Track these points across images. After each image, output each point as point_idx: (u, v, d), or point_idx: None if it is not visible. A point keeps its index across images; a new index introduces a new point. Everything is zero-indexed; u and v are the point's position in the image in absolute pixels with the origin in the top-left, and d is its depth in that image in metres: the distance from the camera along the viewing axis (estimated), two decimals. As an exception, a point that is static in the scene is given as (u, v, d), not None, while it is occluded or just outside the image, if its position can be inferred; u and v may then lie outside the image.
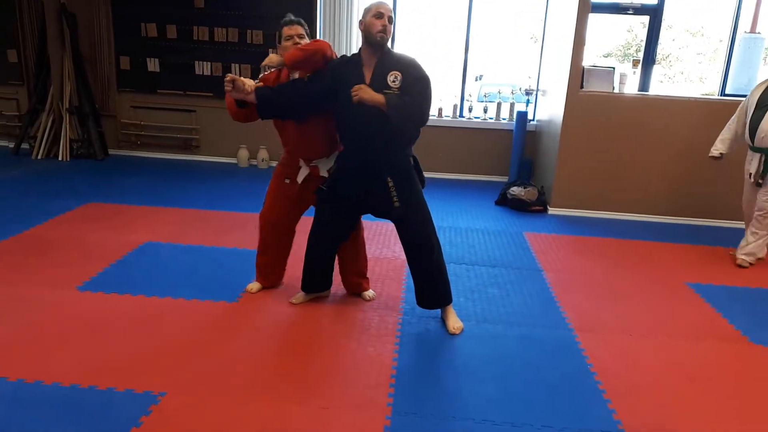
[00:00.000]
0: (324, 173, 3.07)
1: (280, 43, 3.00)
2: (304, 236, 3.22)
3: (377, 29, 2.73)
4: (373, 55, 2.81)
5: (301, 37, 2.94)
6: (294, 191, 3.15)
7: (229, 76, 2.75)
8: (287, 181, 3.13)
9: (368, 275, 3.44)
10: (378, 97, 2.66)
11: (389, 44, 2.89)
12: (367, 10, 2.79)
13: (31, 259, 3.69)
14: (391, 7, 2.83)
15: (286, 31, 2.95)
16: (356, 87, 2.66)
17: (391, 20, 2.76)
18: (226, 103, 2.95)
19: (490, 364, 2.76)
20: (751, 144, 4.17)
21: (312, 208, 3.21)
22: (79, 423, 2.19)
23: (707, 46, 14.51)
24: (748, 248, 4.25)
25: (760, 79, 4.29)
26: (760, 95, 4.13)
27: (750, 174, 4.21)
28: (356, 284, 3.36)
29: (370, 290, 3.39)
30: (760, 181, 4.13)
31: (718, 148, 4.37)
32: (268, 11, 6.21)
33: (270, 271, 3.40)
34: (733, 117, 4.36)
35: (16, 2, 6.72)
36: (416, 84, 2.75)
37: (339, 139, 3.04)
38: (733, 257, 4.32)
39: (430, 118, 3.35)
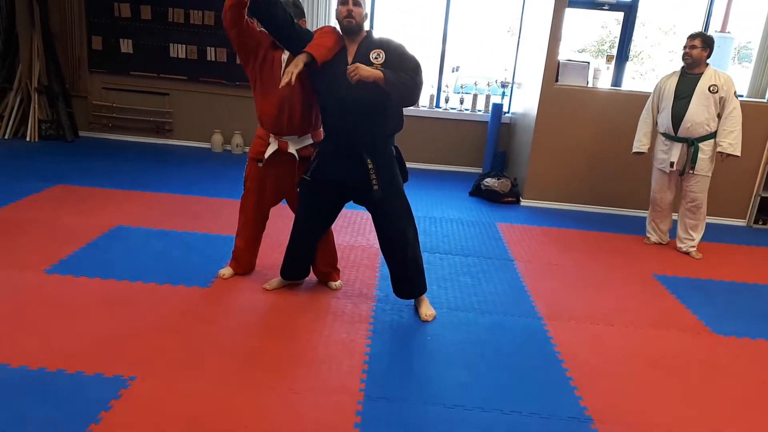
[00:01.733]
0: (293, 151, 3.04)
1: None
2: (279, 223, 3.22)
3: (343, 15, 2.77)
4: (352, 41, 2.82)
5: None
6: (268, 176, 3.13)
7: None
8: (260, 164, 3.10)
9: (343, 262, 3.44)
10: (376, 73, 2.64)
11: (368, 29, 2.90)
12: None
13: (-3, 241, 3.61)
14: None
15: None
16: (351, 67, 2.63)
17: (357, 3, 2.75)
18: None
19: (462, 351, 2.81)
20: (672, 134, 4.26)
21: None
22: (47, 406, 2.17)
23: (679, 44, 14.79)
24: (697, 241, 4.43)
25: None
26: (676, 86, 4.23)
27: (671, 163, 4.29)
28: (326, 274, 3.37)
29: (339, 281, 3.40)
30: (691, 171, 4.25)
31: (644, 143, 4.43)
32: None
33: (242, 256, 3.38)
34: (646, 111, 4.45)
35: (-18, -23, 6.51)
36: (404, 61, 2.76)
37: (322, 124, 3.01)
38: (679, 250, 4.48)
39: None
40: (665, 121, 4.28)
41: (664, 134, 4.33)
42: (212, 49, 6.48)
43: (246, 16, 2.87)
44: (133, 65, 6.63)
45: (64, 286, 3.11)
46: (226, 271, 3.39)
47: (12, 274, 3.19)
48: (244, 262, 3.39)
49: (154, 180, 5.26)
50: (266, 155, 3.05)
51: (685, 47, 4.22)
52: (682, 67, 4.28)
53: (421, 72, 2.78)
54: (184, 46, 6.52)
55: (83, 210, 4.28)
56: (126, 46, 6.57)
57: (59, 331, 2.68)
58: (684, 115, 4.16)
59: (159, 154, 6.38)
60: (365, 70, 2.63)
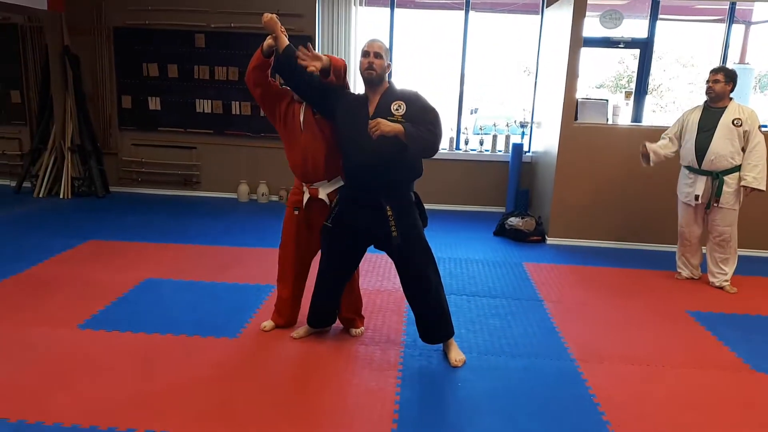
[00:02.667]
0: (323, 196, 3.09)
1: None
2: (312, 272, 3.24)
3: (364, 67, 2.85)
4: (374, 92, 2.90)
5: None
6: (304, 223, 3.17)
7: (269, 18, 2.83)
8: (296, 211, 3.16)
9: (369, 307, 3.43)
10: (397, 128, 2.68)
11: (389, 80, 2.98)
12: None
13: (32, 298, 3.69)
14: (382, 44, 2.89)
15: None
16: (373, 122, 2.68)
17: (378, 56, 2.83)
18: (254, 59, 2.98)
19: (494, 397, 2.76)
20: (696, 167, 4.22)
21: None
22: (81, 463, 2.18)
23: (698, 76, 14.75)
24: (729, 275, 4.33)
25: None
26: (699, 119, 4.21)
27: (696, 196, 4.24)
28: (350, 320, 3.36)
29: (361, 328, 3.38)
30: (716, 204, 4.18)
31: (652, 149, 4.33)
32: (267, 50, 6.34)
33: (283, 308, 3.36)
34: (664, 134, 4.42)
35: (19, 43, 6.86)
36: (424, 113, 2.81)
37: (342, 170, 3.07)
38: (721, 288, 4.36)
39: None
40: (689, 154, 4.25)
41: (688, 167, 4.30)
42: (237, 103, 6.68)
43: (269, 76, 3.00)
44: (161, 121, 6.86)
45: (96, 342, 3.15)
46: (268, 323, 3.38)
47: (46, 331, 3.25)
48: (285, 314, 3.37)
49: (183, 232, 5.36)
50: (304, 203, 3.12)
51: (708, 81, 4.21)
52: (705, 101, 4.27)
53: (440, 123, 2.83)
54: (209, 101, 6.74)
55: (114, 265, 4.38)
56: (154, 103, 6.82)
57: (92, 387, 2.71)
58: (707, 148, 4.13)
59: (187, 206, 6.52)
60: (387, 126, 2.67)
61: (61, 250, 4.65)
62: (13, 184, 6.91)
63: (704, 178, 4.20)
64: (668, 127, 4.53)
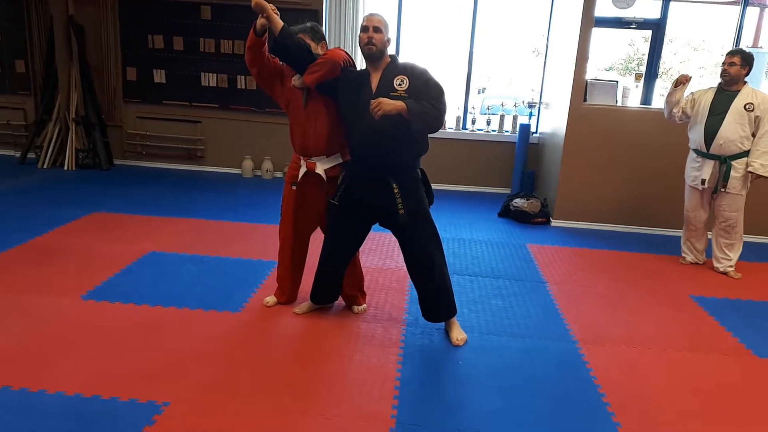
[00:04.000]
0: (320, 171, 3.06)
1: None
2: (314, 249, 3.23)
3: (364, 42, 2.81)
4: (375, 67, 2.86)
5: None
6: (301, 198, 3.15)
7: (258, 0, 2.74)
8: (294, 187, 3.14)
9: (372, 286, 3.42)
10: (399, 106, 2.66)
11: (392, 54, 2.93)
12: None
13: (36, 268, 3.70)
14: (382, 18, 2.83)
15: None
16: (374, 102, 2.65)
17: (377, 30, 2.79)
18: (249, 39, 2.91)
19: (494, 376, 2.76)
20: (704, 151, 4.17)
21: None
22: (83, 432, 2.20)
23: (709, 60, 14.57)
24: (734, 261, 4.31)
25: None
26: (712, 101, 4.14)
27: (703, 180, 4.20)
28: (352, 297, 3.36)
29: (363, 305, 3.38)
30: (723, 189, 4.14)
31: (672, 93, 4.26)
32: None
33: (283, 284, 3.37)
34: (682, 101, 4.30)
35: (24, 13, 6.80)
36: (428, 88, 2.77)
37: (348, 147, 3.05)
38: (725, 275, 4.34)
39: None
40: (697, 136, 4.20)
41: (696, 150, 4.25)
42: (242, 77, 6.63)
43: (266, 53, 2.95)
44: (165, 94, 6.82)
45: (99, 313, 3.17)
46: (270, 299, 3.38)
47: (50, 300, 3.26)
48: (286, 290, 3.37)
49: (186, 206, 5.36)
50: (299, 177, 3.09)
51: (723, 63, 4.12)
52: (719, 83, 4.20)
53: (444, 98, 2.79)
54: (215, 75, 6.69)
55: (118, 236, 4.38)
56: (159, 76, 6.77)
57: (95, 356, 2.72)
58: (717, 132, 4.07)
59: (191, 180, 6.51)
60: (388, 105, 2.65)
61: (65, 221, 4.65)
62: (18, 154, 6.91)
63: (712, 162, 4.15)
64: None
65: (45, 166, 6.59)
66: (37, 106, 6.95)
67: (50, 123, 6.69)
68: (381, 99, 2.67)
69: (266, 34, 2.89)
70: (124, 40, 6.72)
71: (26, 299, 3.26)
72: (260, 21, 2.82)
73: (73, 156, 6.61)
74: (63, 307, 3.20)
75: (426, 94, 2.75)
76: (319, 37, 3.05)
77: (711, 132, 4.11)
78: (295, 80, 2.93)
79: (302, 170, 3.09)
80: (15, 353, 2.71)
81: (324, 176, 3.06)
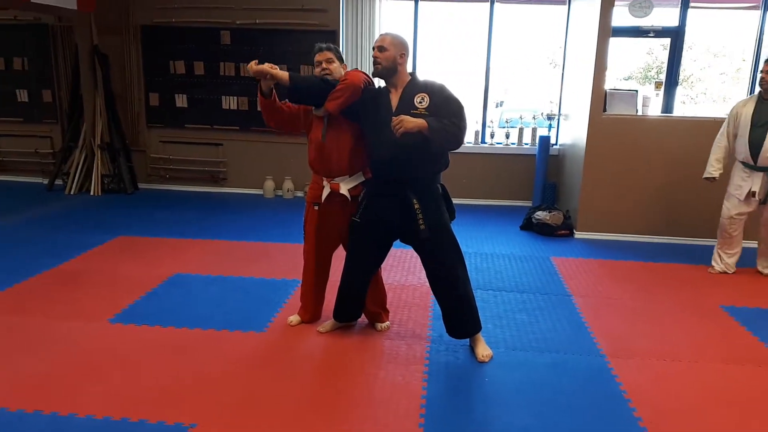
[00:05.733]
0: (344, 191, 3.07)
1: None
2: (338, 266, 3.23)
3: (373, 61, 2.86)
4: (394, 85, 2.88)
5: (329, 61, 3.01)
6: (324, 217, 3.17)
7: (255, 67, 2.83)
8: (316, 207, 3.16)
9: (395, 302, 3.41)
10: (420, 124, 2.68)
11: (413, 72, 2.95)
12: None
13: (64, 293, 3.77)
14: (389, 36, 2.87)
15: (317, 57, 3.04)
16: (396, 120, 2.68)
17: (382, 49, 2.81)
18: (259, 103, 3.01)
19: (522, 392, 2.72)
20: (752, 163, 4.10)
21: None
22: (112, 455, 2.22)
23: (729, 66, 14.38)
24: None
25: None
26: (753, 114, 4.07)
27: (753, 193, 4.14)
28: (375, 314, 3.35)
29: (387, 322, 3.37)
30: None
31: (717, 168, 4.28)
32: (291, 47, 6.34)
33: (306, 303, 3.38)
34: (720, 135, 4.29)
35: (50, 44, 7.01)
36: (448, 105, 2.78)
37: (368, 164, 3.06)
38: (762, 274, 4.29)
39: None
40: (743, 149, 4.13)
41: (743, 163, 4.18)
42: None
43: (279, 103, 3.05)
44: (187, 119, 6.94)
45: (126, 336, 3.20)
46: (294, 318, 3.39)
47: (78, 325, 3.31)
48: (309, 308, 3.38)
49: (210, 228, 5.42)
50: (323, 198, 3.11)
51: (761, 71, 4.04)
52: (759, 93, 4.12)
53: (464, 114, 2.80)
54: (235, 98, 6.79)
55: (143, 260, 4.44)
56: (181, 100, 6.90)
57: (123, 379, 2.75)
58: (762, 144, 4.00)
59: (214, 202, 6.59)
60: (410, 123, 2.67)
61: (92, 245, 4.74)
62: (46, 181, 7.07)
63: (761, 174, 4.08)
64: (703, 118, 4.40)
65: (72, 192, 6.73)
66: (63, 134, 7.14)
67: (76, 150, 6.84)
68: (403, 116, 2.68)
69: (273, 90, 2.98)
70: (146, 67, 6.88)
71: (55, 324, 3.31)
72: (264, 84, 2.92)
73: (98, 181, 6.74)
74: (91, 331, 3.24)
75: (446, 110, 2.76)
76: (338, 58, 3.10)
77: (756, 145, 4.04)
78: (317, 110, 2.98)
79: (326, 191, 3.11)
80: (45, 378, 2.75)
81: (348, 196, 3.08)
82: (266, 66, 2.84)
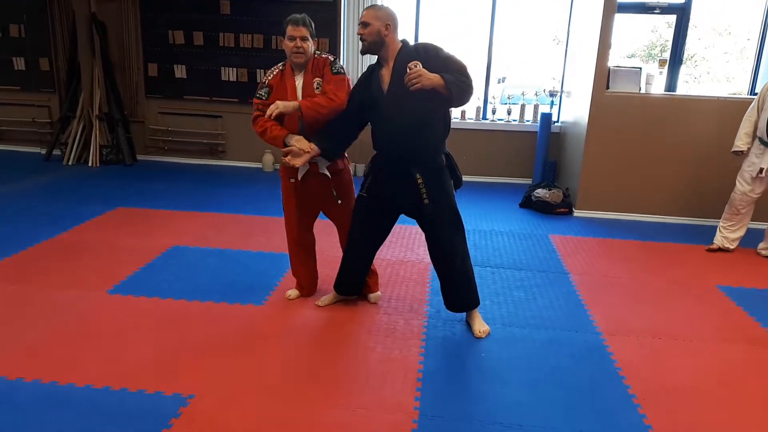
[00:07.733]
0: (323, 170, 3.05)
1: (284, 38, 2.95)
2: (333, 239, 3.22)
3: (360, 39, 2.80)
4: (383, 59, 2.83)
5: (304, 39, 2.90)
6: (302, 190, 3.14)
7: (287, 156, 2.87)
8: (292, 180, 3.12)
9: (393, 278, 3.41)
10: (436, 79, 2.59)
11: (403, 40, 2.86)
12: None
13: (63, 263, 3.77)
14: (372, 10, 2.78)
15: (290, 30, 2.90)
16: (413, 72, 2.56)
17: (365, 24, 2.74)
18: (272, 137, 2.98)
19: (517, 368, 2.75)
20: (766, 140, 4.10)
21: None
22: (110, 424, 2.23)
23: (734, 45, 14.22)
24: None
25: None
26: None
27: (762, 170, 4.14)
28: (366, 286, 3.36)
29: (377, 292, 3.38)
30: None
31: (745, 142, 4.27)
32: (291, 17, 6.26)
33: (298, 276, 3.39)
34: (750, 109, 4.27)
35: (47, 12, 6.90)
36: (450, 64, 2.69)
37: (372, 141, 3.03)
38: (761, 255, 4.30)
39: (453, 120, 3.33)
40: (763, 125, 4.13)
41: (760, 139, 4.19)
42: (262, 71, 6.65)
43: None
44: (186, 90, 6.88)
45: (125, 306, 3.21)
46: (293, 292, 3.39)
47: (77, 295, 3.32)
48: (303, 283, 3.39)
49: (208, 200, 5.41)
50: (299, 176, 3.08)
51: None
52: None
53: (467, 68, 2.72)
54: (235, 69, 6.72)
55: (142, 231, 4.44)
56: (180, 71, 6.82)
57: (122, 350, 2.76)
58: None
59: (212, 174, 6.56)
60: (427, 79, 2.56)
61: (90, 216, 4.73)
62: (43, 151, 7.03)
63: None
64: (706, 97, 4.37)
65: (70, 163, 6.70)
66: (61, 104, 7.07)
67: (74, 120, 6.79)
68: (421, 70, 2.57)
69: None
70: (145, 37, 6.79)
71: (54, 294, 3.32)
72: (299, 163, 2.89)
73: (97, 152, 6.71)
74: (90, 301, 3.25)
75: (449, 69, 2.67)
76: (313, 33, 2.99)
77: None
78: (288, 107, 2.89)
79: (303, 168, 3.05)
80: (44, 347, 2.76)
81: (328, 174, 3.06)
82: (304, 152, 2.86)
